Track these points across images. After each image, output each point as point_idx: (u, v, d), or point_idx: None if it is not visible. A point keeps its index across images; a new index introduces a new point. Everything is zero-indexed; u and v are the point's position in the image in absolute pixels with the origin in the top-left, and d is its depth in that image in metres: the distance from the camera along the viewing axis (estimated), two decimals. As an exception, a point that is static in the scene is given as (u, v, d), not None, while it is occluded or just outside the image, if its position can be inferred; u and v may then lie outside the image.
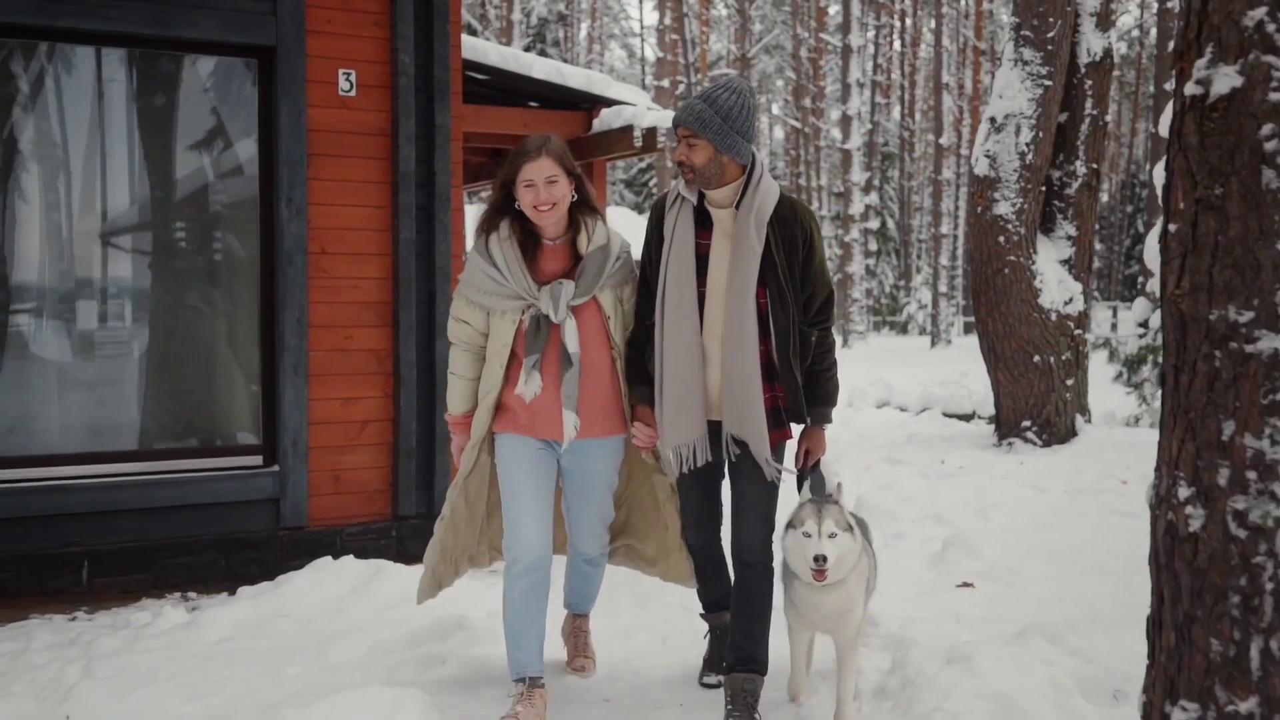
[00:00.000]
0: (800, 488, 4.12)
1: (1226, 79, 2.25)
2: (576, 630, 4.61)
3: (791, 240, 4.02)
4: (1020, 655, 4.34)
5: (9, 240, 6.02)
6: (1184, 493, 2.36)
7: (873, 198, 38.85)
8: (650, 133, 10.38)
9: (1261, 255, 2.22)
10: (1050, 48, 10.09)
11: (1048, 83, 10.12)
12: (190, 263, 6.51)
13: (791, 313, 4.03)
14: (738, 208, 4.02)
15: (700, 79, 41.35)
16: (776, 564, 4.16)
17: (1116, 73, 18.67)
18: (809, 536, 3.86)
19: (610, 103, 10.80)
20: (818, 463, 4.19)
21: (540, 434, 4.11)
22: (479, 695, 4.19)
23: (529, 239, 4.08)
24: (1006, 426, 10.46)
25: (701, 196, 4.07)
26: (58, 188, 6.16)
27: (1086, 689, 4.13)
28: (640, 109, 10.49)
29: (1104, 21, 10.50)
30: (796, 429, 4.22)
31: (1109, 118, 10.85)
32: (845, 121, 33.35)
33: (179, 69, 6.36)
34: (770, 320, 4.03)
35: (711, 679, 4.43)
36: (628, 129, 10.44)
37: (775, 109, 58.80)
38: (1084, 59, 10.41)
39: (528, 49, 41.80)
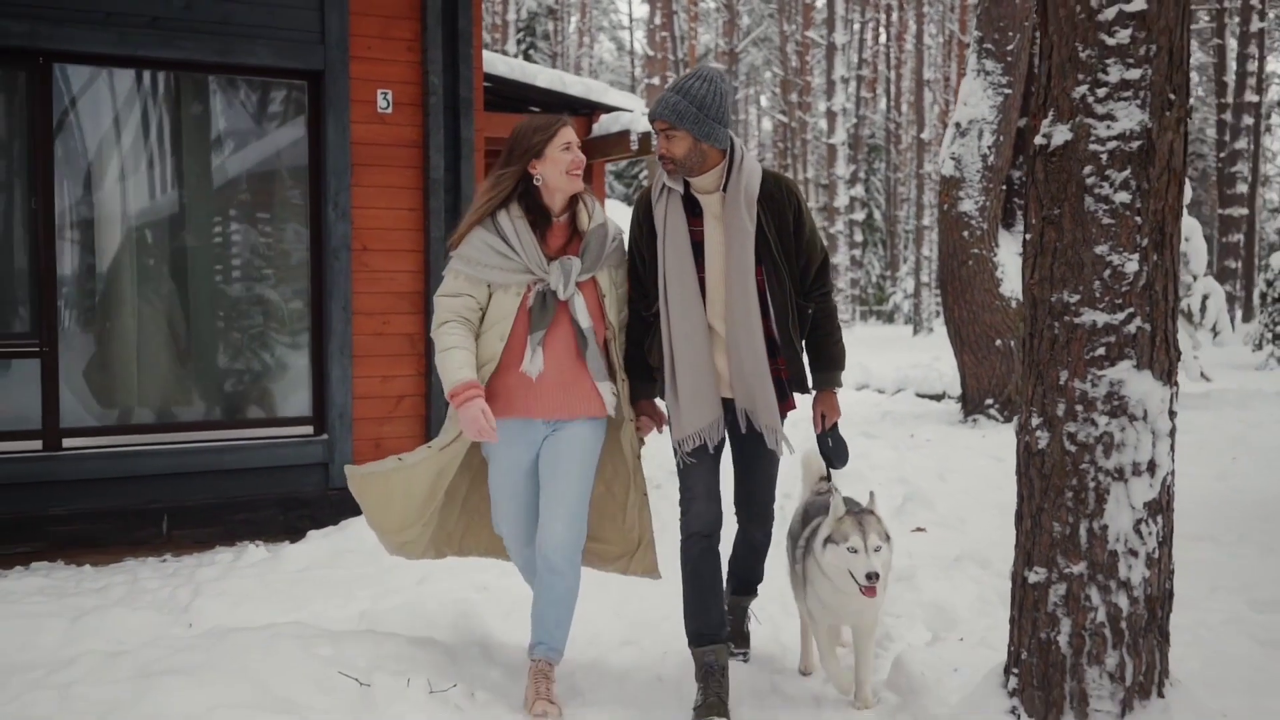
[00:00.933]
0: (824, 453, 4.26)
1: (1061, 134, 3.23)
2: (540, 673, 4.13)
3: (781, 215, 4.10)
4: (954, 575, 5.36)
5: (101, 240, 6.98)
6: (1035, 421, 3.36)
7: (859, 190, 39.84)
8: (645, 136, 11.34)
9: (1084, 256, 3.20)
10: (1009, 59, 11.09)
11: (1007, 91, 11.12)
12: (250, 259, 7.47)
13: (788, 287, 4.11)
14: (725, 191, 4.07)
15: (703, 65, 42.20)
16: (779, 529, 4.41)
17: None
18: (855, 552, 3.88)
19: (608, 109, 11.77)
20: (835, 425, 4.27)
21: (538, 413, 4.12)
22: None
23: (540, 216, 4.13)
24: (971, 404, 11.49)
25: (687, 185, 4.11)
26: (141, 194, 7.11)
27: (1005, 599, 5.12)
28: (636, 115, 11.46)
29: (1059, 34, 11.49)
30: (799, 398, 4.32)
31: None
32: (830, 117, 34.29)
33: (241, 90, 7.31)
34: (768, 296, 4.10)
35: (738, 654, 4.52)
36: (624, 133, 11.41)
37: (764, 101, 59.52)
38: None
39: (519, 44, 42.66)
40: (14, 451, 6.61)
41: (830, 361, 4.26)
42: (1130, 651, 3.23)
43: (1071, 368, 3.24)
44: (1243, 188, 31.21)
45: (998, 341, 11.24)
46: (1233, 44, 32.23)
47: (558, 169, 4.07)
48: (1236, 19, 32.05)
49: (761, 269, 4.06)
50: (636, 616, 5.07)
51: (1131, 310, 3.18)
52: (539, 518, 4.18)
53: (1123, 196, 3.15)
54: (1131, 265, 3.17)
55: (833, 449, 4.23)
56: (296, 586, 5.31)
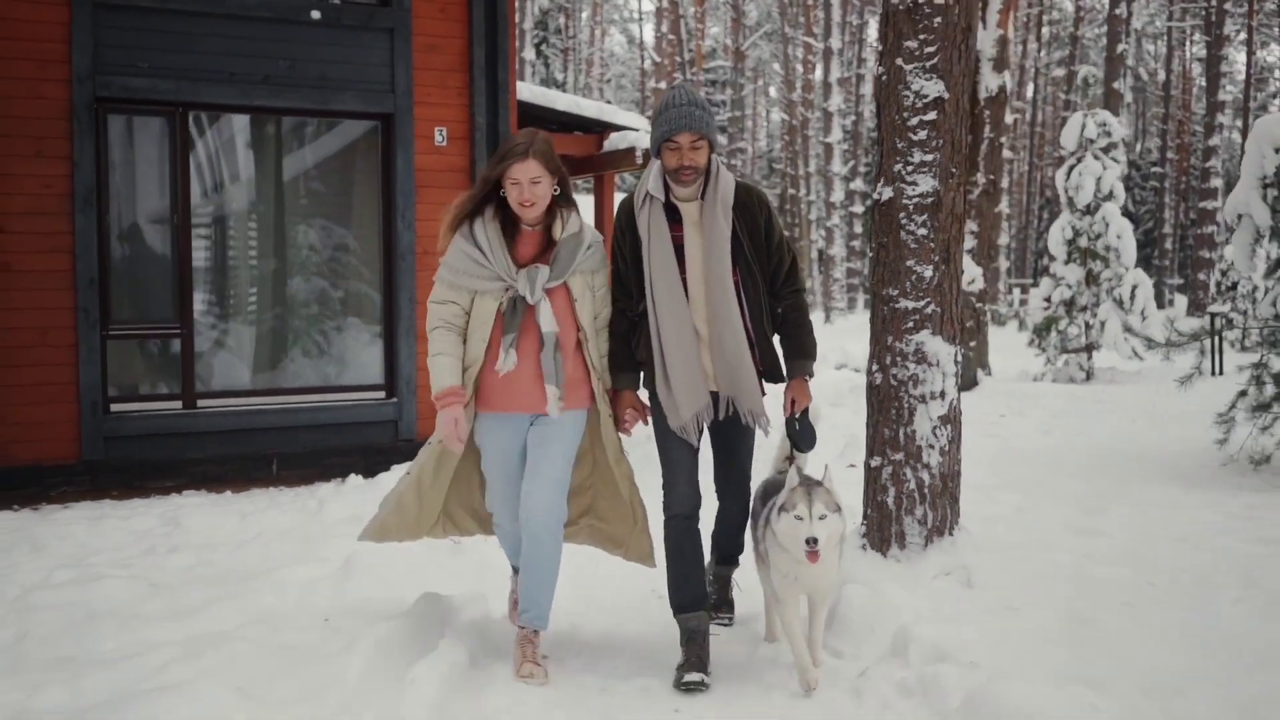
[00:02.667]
0: (791, 435, 4.53)
1: (888, 193, 5.30)
2: (526, 639, 4.48)
3: (753, 221, 4.38)
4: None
5: (224, 246, 9.08)
6: (874, 368, 5.43)
7: (858, 184, 41.72)
8: (648, 152, 13.37)
9: (900, 267, 5.27)
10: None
11: (953, 114, 13.13)
12: (336, 260, 9.56)
13: (760, 286, 4.40)
14: (703, 199, 4.35)
15: (696, 72, 44.11)
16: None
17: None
18: (801, 520, 4.08)
19: (618, 128, 13.80)
20: (806, 410, 4.54)
21: (515, 408, 4.43)
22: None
23: (509, 223, 4.38)
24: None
25: (668, 192, 4.37)
26: (254, 209, 9.20)
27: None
28: (641, 134, 13.49)
29: (999, 65, 13.55)
30: (771, 387, 4.61)
31: (1004, 139, 13.88)
32: (827, 117, 36.26)
33: (332, 130, 9.39)
34: (743, 295, 4.39)
35: (695, 677, 4.33)
36: (631, 149, 13.43)
37: (772, 92, 60.91)
38: (983, 94, 13.45)
39: (534, 40, 44.54)
40: (161, 410, 8.70)
41: (802, 351, 4.53)
42: (931, 508, 5.31)
43: (894, 334, 5.31)
44: (1217, 182, 33.14)
45: (946, 325, 13.26)
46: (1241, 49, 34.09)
47: (510, 197, 4.34)
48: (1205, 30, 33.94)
49: (737, 270, 4.37)
50: (625, 591, 5.63)
51: (929, 300, 5.26)
52: (521, 491, 4.45)
53: (922, 231, 5.22)
54: (928, 272, 5.25)
55: (800, 433, 4.51)
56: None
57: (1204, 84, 34.42)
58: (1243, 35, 40.49)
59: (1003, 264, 35.91)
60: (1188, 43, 50.13)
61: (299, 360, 9.39)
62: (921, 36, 5.15)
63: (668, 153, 4.28)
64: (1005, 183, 36.25)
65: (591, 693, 4.26)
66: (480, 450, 4.55)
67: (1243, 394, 8.77)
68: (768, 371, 4.51)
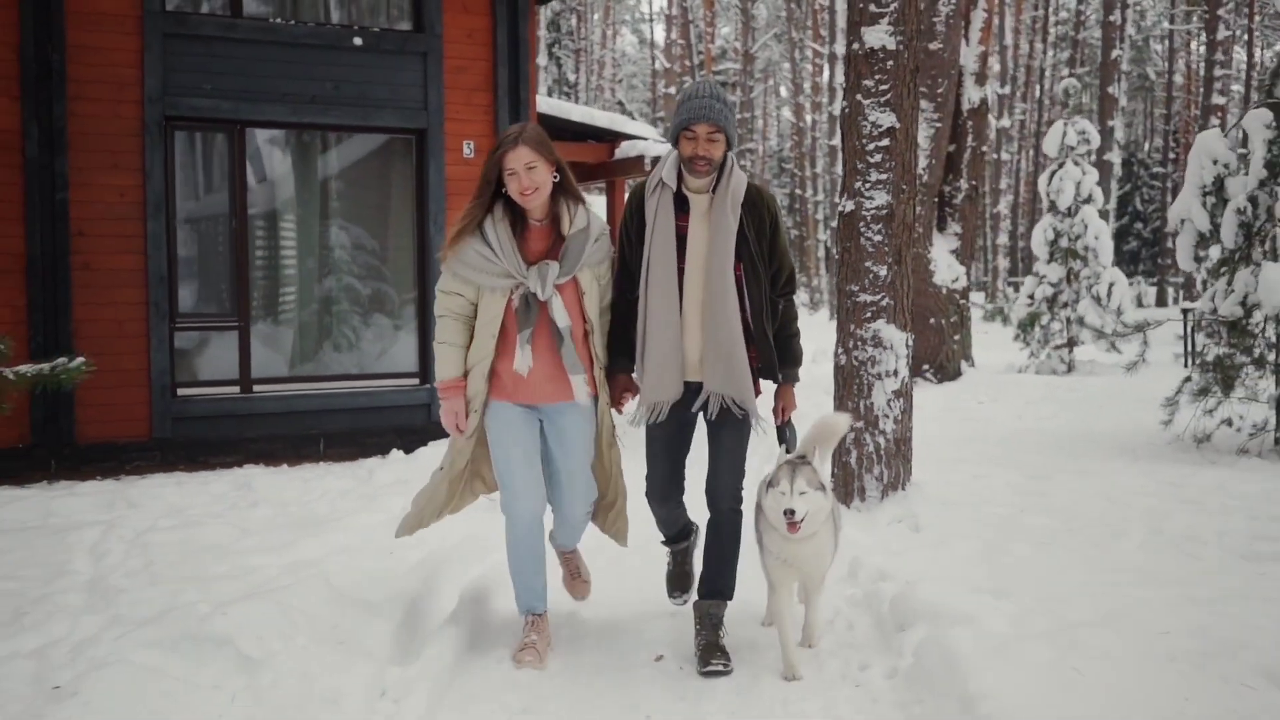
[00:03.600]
0: (780, 440, 4.59)
1: (850, 206, 6.39)
2: (569, 559, 5.05)
3: (760, 221, 4.44)
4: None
5: (276, 248, 10.19)
6: (839, 350, 6.52)
7: (863, 184, 42.59)
8: (655, 160, 14.46)
9: (860, 268, 6.35)
10: (939, 99, 14.17)
11: (938, 124, 14.20)
12: (376, 261, 10.66)
13: (763, 283, 4.45)
14: (714, 192, 4.40)
15: (706, 74, 45.15)
16: (747, 508, 4.66)
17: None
18: (784, 494, 4.24)
19: (628, 136, 14.88)
20: (790, 417, 4.64)
21: (528, 399, 4.49)
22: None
23: (518, 220, 4.41)
24: (912, 369, 14.57)
25: (680, 182, 4.43)
26: (302, 214, 10.32)
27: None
28: (650, 143, 14.57)
29: (980, 79, 14.62)
30: (765, 386, 4.65)
31: (986, 147, 14.93)
32: (832, 121, 37.27)
33: (371, 143, 10.50)
34: (744, 290, 4.42)
35: (679, 599, 4.93)
36: (640, 157, 14.51)
37: (783, 91, 61.71)
38: (966, 106, 14.52)
39: (546, 43, 45.55)
40: (221, 394, 9.81)
41: (792, 359, 4.65)
42: (886, 467, 6.40)
43: (855, 323, 6.40)
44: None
45: (931, 320, 14.35)
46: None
47: (510, 189, 4.37)
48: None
49: (740, 264, 4.41)
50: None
51: (884, 294, 6.35)
52: (557, 493, 4.66)
53: (878, 238, 6.31)
54: (883, 272, 6.33)
55: (791, 438, 4.59)
56: (426, 469, 8.47)
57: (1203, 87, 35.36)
58: (1245, 37, 41.33)
59: (1002, 262, 36.93)
60: (1193, 43, 50.94)
61: (341, 350, 10.50)
62: (877, 77, 6.24)
63: (684, 141, 4.34)
64: (1003, 184, 37.40)
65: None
66: (491, 436, 4.56)
67: (1187, 379, 9.81)
68: (765, 369, 4.56)
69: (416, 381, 10.51)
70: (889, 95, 6.26)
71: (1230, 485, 7.92)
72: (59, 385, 4.59)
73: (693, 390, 4.50)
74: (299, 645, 4.03)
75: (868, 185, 6.31)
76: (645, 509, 4.86)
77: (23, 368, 4.40)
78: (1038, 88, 46.44)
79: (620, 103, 58.37)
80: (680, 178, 4.42)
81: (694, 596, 4.77)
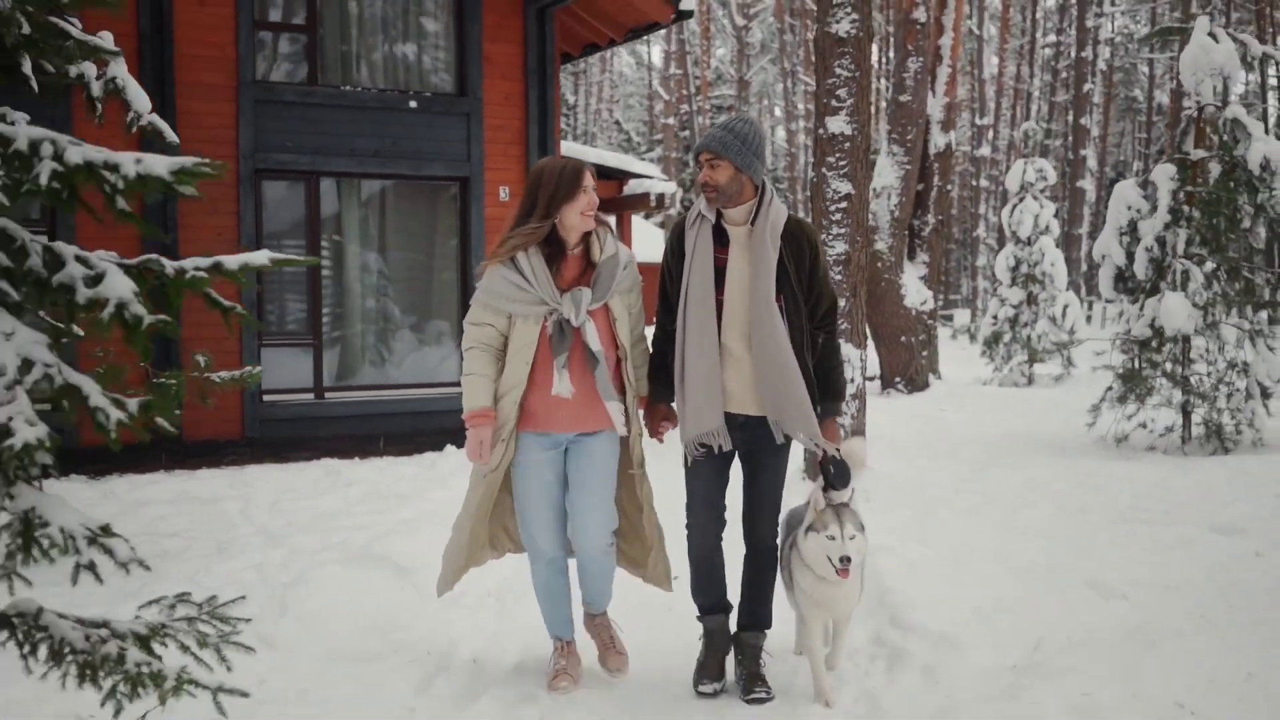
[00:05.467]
0: (825, 475, 4.48)
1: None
2: (599, 627, 4.86)
3: (800, 253, 4.43)
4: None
5: (343, 277, 12.10)
6: (810, 364, 8.47)
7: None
8: (660, 196, 16.43)
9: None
10: (909, 144, 16.12)
11: (908, 166, 16.15)
12: (427, 289, 12.58)
13: (803, 314, 4.42)
14: (753, 224, 4.40)
15: (702, 99, 47.02)
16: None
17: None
18: (834, 539, 4.19)
19: (636, 175, 16.85)
20: (838, 451, 4.50)
21: (559, 427, 4.50)
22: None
23: (555, 250, 4.45)
24: (885, 381, 16.54)
25: (719, 215, 4.44)
26: (365, 249, 12.23)
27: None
28: (655, 181, 16.56)
29: (946, 126, 16.59)
30: None
31: (950, 186, 16.88)
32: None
33: (423, 189, 12.43)
34: (786, 321, 4.37)
35: (708, 687, 4.63)
36: (646, 194, 16.49)
37: (777, 111, 63.41)
38: (933, 150, 16.48)
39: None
40: (299, 400, 11.71)
41: (835, 392, 4.57)
42: (846, 453, 8.31)
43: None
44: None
45: (903, 338, 16.29)
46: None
47: (575, 210, 4.41)
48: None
49: (781, 296, 4.36)
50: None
51: (843, 321, 8.26)
52: (573, 523, 4.59)
53: (839, 278, 8.22)
54: (843, 303, 8.24)
55: (835, 474, 4.47)
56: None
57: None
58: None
59: (981, 283, 38.82)
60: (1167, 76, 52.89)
61: (398, 362, 12.40)
62: (837, 155, 8.17)
63: (699, 170, 4.45)
64: (982, 209, 39.33)
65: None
66: (515, 474, 4.59)
67: (1109, 389, 11.71)
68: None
69: (461, 390, 12.39)
70: (847, 169, 8.19)
71: (1133, 475, 9.80)
72: (246, 387, 6.29)
73: (732, 422, 4.47)
74: (430, 561, 5.92)
75: (830, 237, 8.23)
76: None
77: (223, 374, 5.31)
78: (1029, 110, 48.43)
79: (618, 122, 60.39)
80: (720, 212, 4.46)
81: (724, 687, 4.67)
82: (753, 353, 4.38)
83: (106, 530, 2.79)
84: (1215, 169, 11.05)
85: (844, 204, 8.22)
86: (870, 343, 17.12)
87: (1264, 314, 11.26)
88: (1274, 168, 10.81)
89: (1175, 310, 10.82)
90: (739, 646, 4.68)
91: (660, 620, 5.42)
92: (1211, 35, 11.31)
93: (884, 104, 19.66)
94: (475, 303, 4.56)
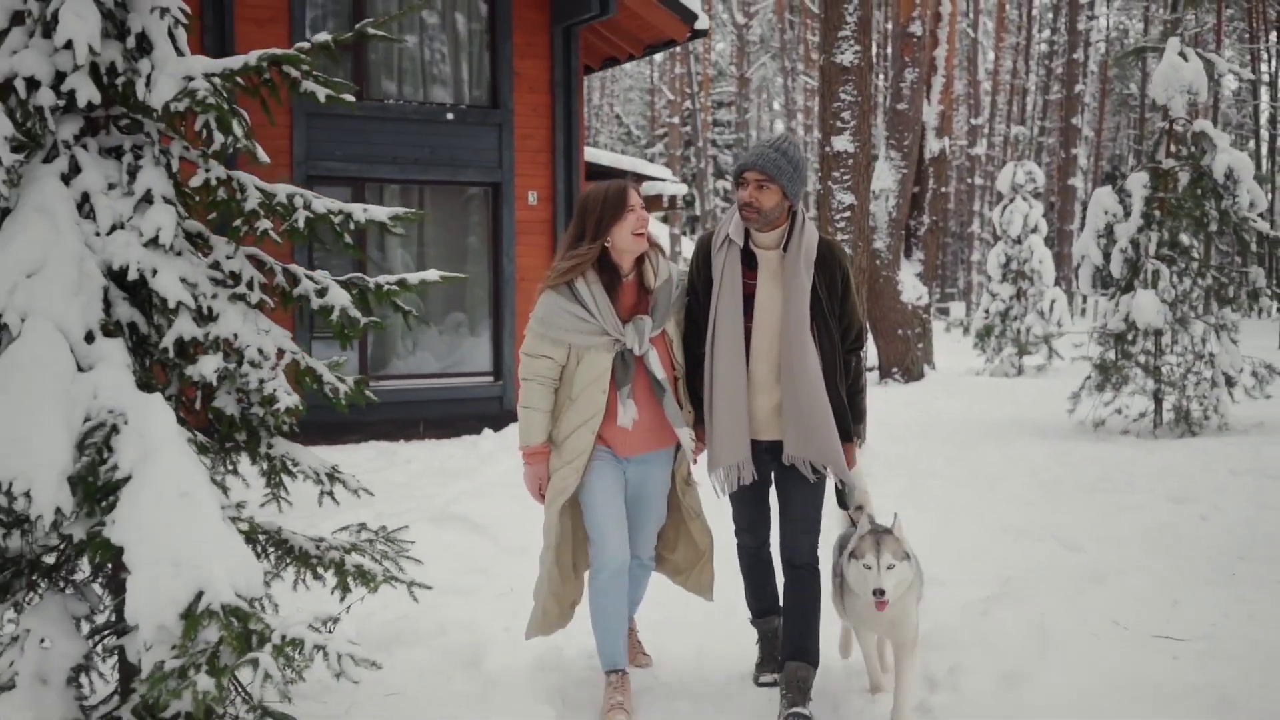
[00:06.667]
0: (839, 496, 4.52)
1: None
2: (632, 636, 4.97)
3: (831, 278, 4.30)
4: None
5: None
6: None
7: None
8: (673, 198, 17.52)
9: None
10: (906, 149, 17.23)
11: (905, 170, 17.25)
12: (461, 285, 13.65)
13: (835, 341, 4.30)
14: (785, 250, 4.26)
15: (703, 96, 48.00)
16: (824, 566, 4.50)
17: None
18: (869, 569, 4.08)
19: (649, 178, 17.92)
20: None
21: (627, 453, 4.48)
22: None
23: (612, 279, 4.37)
24: (883, 371, 17.67)
25: (748, 238, 4.31)
26: (407, 247, 13.32)
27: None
28: (667, 184, 17.63)
29: (941, 132, 17.72)
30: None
31: (946, 188, 18.01)
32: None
33: (459, 194, 13.53)
34: (819, 348, 4.25)
35: (767, 677, 4.72)
36: (659, 195, 17.57)
37: (776, 106, 64.23)
38: (929, 154, 17.59)
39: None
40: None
41: (858, 415, 4.48)
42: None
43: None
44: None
45: (900, 331, 17.42)
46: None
47: (625, 231, 4.32)
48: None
49: (815, 324, 4.24)
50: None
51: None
52: (634, 534, 4.58)
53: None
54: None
55: (846, 494, 4.53)
56: (513, 442, 11.47)
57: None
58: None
59: (976, 277, 39.96)
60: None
61: (436, 354, 13.51)
62: (840, 170, 9.27)
63: (740, 189, 4.28)
64: (977, 205, 40.46)
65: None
66: (583, 486, 4.47)
67: (1088, 378, 12.83)
68: (842, 430, 4.34)
69: (491, 379, 13.52)
70: (850, 182, 9.29)
71: (1104, 454, 10.92)
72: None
73: (761, 448, 4.40)
74: (499, 518, 7.05)
75: (835, 178, 9.33)
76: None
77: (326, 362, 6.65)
78: (1025, 105, 49.44)
79: (618, 116, 61.43)
80: (748, 235, 4.34)
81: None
82: (781, 383, 4.28)
83: (335, 470, 3.93)
84: (1184, 178, 12.15)
85: (848, 214, 9.32)
86: (869, 336, 18.25)
87: (1228, 310, 12.36)
88: (1237, 176, 11.93)
89: (1146, 306, 11.93)
90: (785, 680, 4.43)
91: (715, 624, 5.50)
92: (1182, 55, 12.43)
93: (882, 112, 20.76)
94: (531, 334, 4.44)
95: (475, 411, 13.23)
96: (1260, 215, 12.20)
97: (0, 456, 3.08)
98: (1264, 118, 46.68)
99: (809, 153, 47.71)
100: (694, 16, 13.65)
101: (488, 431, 12.51)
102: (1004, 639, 5.04)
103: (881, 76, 34.12)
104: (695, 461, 4.64)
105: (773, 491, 4.56)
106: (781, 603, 4.60)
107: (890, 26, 23.64)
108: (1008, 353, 19.45)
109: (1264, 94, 45.80)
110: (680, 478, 4.65)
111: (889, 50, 24.90)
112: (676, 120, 41.98)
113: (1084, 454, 10.93)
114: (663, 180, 17.82)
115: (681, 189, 17.49)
